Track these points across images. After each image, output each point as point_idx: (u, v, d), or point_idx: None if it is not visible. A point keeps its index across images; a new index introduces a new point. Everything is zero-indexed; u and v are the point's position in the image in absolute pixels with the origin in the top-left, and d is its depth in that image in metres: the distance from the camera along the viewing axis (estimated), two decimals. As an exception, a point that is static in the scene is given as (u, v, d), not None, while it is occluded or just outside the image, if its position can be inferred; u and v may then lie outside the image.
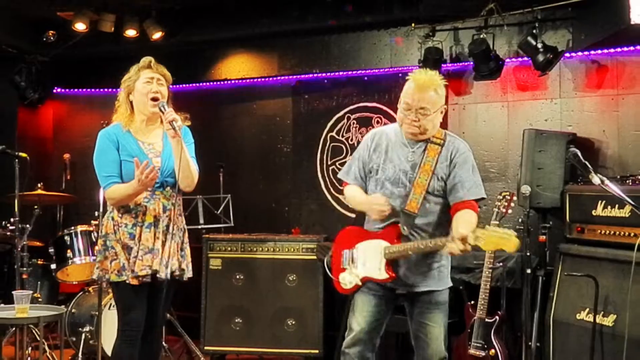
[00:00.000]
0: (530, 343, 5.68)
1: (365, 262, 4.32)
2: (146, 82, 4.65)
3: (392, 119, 7.19)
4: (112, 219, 4.64)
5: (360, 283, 4.32)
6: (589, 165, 4.13)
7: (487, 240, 3.87)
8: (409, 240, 4.19)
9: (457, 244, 3.89)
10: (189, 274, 4.82)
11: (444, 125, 6.97)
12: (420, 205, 4.19)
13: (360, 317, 4.36)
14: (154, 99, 4.62)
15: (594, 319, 5.03)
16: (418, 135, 4.26)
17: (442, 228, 4.28)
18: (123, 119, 4.70)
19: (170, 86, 4.79)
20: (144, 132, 4.73)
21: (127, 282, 4.51)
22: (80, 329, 6.36)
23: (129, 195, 4.52)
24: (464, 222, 4.05)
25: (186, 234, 4.86)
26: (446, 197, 4.27)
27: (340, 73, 7.57)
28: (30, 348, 6.20)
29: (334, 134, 7.64)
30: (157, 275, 4.60)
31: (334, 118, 7.65)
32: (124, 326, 4.65)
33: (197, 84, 8.24)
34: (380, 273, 4.24)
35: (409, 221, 4.19)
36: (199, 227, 6.89)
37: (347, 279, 4.40)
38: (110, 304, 6.24)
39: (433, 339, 4.30)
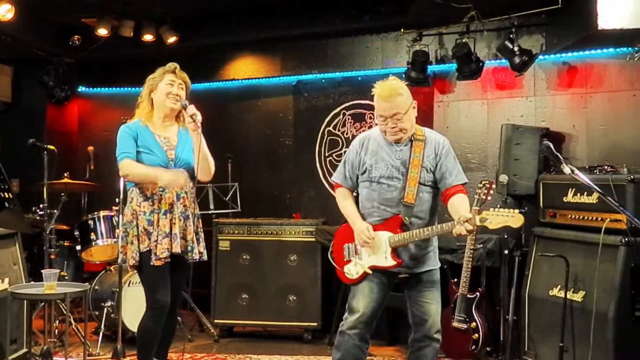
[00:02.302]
0: (507, 316, 5.67)
1: (371, 252, 4.29)
2: (168, 84, 4.69)
3: (383, 115, 7.19)
4: (132, 208, 4.64)
5: (369, 271, 4.27)
6: (560, 157, 4.12)
7: (493, 220, 3.97)
8: (408, 229, 4.19)
9: (464, 226, 3.92)
10: (205, 257, 4.84)
11: (430, 120, 7.05)
12: (416, 197, 4.20)
13: (364, 302, 4.29)
14: (173, 99, 4.67)
15: (565, 295, 5.00)
16: (402, 138, 4.25)
17: (432, 214, 4.32)
18: (143, 114, 4.74)
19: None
20: (161, 128, 4.75)
21: (152, 264, 4.52)
22: (102, 304, 6.33)
23: (145, 175, 4.56)
24: (461, 205, 4.12)
25: (199, 220, 4.86)
26: (435, 187, 4.29)
27: (337, 73, 7.55)
28: (57, 321, 6.20)
29: (330, 128, 7.61)
30: (187, 257, 4.62)
31: (331, 114, 7.62)
32: (152, 304, 4.64)
33: (208, 83, 8.19)
34: (387, 261, 4.22)
35: (409, 212, 4.20)
36: (210, 212, 6.87)
37: (353, 270, 4.36)
38: (130, 281, 6.22)
39: (432, 315, 4.28)
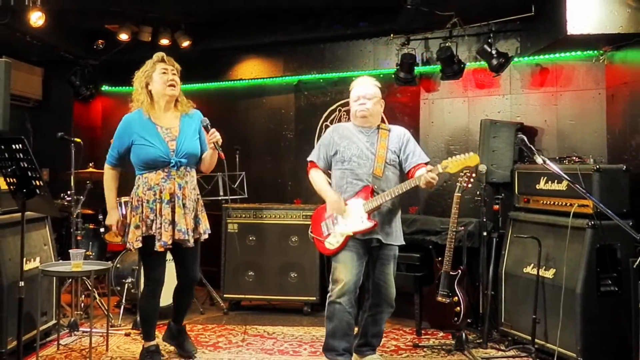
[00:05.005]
0: (486, 291, 5.64)
1: (347, 221, 4.38)
2: (162, 73, 4.60)
3: (375, 111, 7.15)
4: (138, 194, 4.58)
5: (351, 234, 4.35)
6: (533, 148, 4.13)
7: (452, 165, 4.16)
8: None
9: (430, 174, 4.11)
10: (205, 236, 4.77)
11: (416, 116, 7.02)
12: (383, 172, 4.38)
13: (346, 271, 4.34)
14: (172, 85, 4.61)
15: (537, 272, 4.99)
16: (368, 117, 4.49)
17: None
18: (144, 106, 4.63)
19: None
20: (162, 118, 4.64)
21: (155, 249, 4.48)
22: (123, 280, 6.29)
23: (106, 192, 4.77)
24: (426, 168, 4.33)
25: (200, 202, 4.77)
26: (399, 169, 4.49)
27: (334, 74, 7.51)
28: (83, 296, 6.17)
29: (328, 123, 7.56)
30: (184, 243, 4.56)
31: (328, 110, 7.58)
32: (148, 282, 4.68)
33: (218, 83, 8.16)
34: (364, 224, 4.33)
35: (377, 183, 4.37)
36: (219, 198, 6.84)
37: (333, 240, 4.44)
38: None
39: (392, 285, 4.52)
